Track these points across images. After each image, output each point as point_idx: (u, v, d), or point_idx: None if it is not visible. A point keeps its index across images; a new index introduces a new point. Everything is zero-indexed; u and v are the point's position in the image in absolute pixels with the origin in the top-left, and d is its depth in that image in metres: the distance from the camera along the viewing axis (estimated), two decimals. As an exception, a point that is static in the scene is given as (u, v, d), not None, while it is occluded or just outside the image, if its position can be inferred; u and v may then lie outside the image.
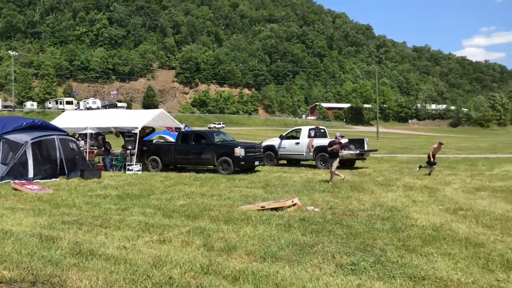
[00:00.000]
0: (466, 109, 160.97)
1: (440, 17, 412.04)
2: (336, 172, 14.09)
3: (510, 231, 7.06)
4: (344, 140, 18.45)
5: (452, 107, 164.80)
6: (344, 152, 18.57)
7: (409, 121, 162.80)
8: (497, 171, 17.04)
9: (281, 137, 20.87)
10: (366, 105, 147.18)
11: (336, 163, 14.12)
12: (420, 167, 16.43)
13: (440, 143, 16.40)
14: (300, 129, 21.17)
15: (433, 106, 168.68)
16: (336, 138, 14.74)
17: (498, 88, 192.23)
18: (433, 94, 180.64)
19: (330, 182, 13.63)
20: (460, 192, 11.69)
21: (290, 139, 20.71)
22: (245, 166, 17.00)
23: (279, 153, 20.56)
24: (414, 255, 5.82)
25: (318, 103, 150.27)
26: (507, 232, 7.00)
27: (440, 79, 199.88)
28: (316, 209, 9.17)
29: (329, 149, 14.53)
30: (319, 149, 19.01)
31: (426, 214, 8.58)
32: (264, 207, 9.12)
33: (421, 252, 5.95)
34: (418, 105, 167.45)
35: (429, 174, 15.81)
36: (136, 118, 19.55)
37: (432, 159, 15.99)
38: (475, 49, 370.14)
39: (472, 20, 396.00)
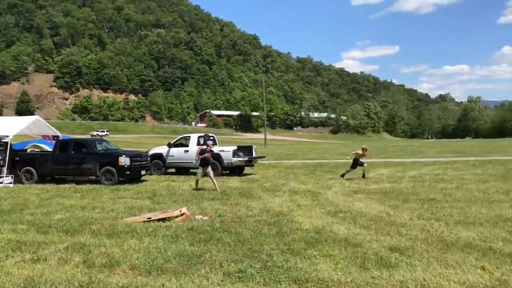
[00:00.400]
0: (345, 117, 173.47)
1: (321, 30, 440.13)
2: (198, 181, 14.21)
3: (383, 230, 7.62)
4: (217, 148, 18.78)
5: (333, 115, 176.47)
6: (233, 159, 18.84)
7: (294, 128, 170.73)
8: (372, 174, 18.43)
9: (169, 145, 20.46)
10: (254, 113, 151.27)
11: (211, 170, 14.28)
12: (343, 175, 16.94)
13: (364, 148, 17.36)
14: (189, 136, 20.94)
15: (316, 114, 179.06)
16: (207, 146, 14.87)
17: (372, 98, 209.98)
18: (315, 103, 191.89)
19: (218, 190, 13.65)
20: (340, 195, 12.39)
21: (178, 147, 20.39)
22: (131, 176, 16.32)
23: (167, 161, 20.14)
24: (299, 258, 6.00)
25: (208, 110, 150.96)
26: (380, 231, 7.54)
27: (322, 89, 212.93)
28: (204, 218, 9.08)
29: (200, 156, 14.58)
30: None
31: (309, 217, 8.93)
32: (150, 218, 8.80)
33: (305, 255, 6.15)
34: (302, 113, 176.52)
35: (364, 176, 16.55)
36: (7, 126, 17.77)
37: (358, 162, 16.89)
38: (352, 61, 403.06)
39: (349, 34, 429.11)
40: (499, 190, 12.50)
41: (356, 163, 17.00)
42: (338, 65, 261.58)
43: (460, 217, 8.68)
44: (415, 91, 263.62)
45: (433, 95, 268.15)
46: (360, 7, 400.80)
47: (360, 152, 17.15)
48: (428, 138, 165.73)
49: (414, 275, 5.20)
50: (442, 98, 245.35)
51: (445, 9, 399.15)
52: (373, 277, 5.19)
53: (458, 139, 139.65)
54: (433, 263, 5.67)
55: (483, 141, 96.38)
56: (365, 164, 17.13)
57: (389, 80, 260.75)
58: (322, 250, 6.39)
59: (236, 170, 19.99)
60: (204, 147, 15.25)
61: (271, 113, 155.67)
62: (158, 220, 8.69)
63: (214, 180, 14.09)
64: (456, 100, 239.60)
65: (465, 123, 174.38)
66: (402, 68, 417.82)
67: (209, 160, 14.36)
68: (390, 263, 5.70)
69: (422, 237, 7.07)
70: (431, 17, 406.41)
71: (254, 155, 20.50)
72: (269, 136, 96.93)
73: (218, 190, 13.61)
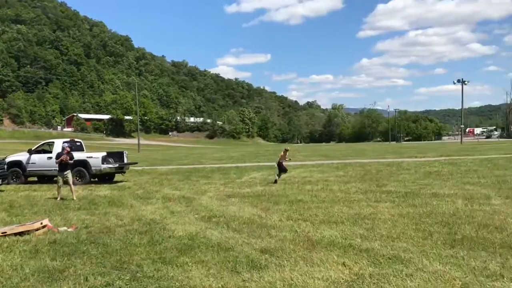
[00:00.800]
0: (221, 122, 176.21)
1: (196, 35, 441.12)
2: (60, 189, 13.43)
3: (255, 233, 7.82)
4: (85, 154, 17.90)
5: (209, 120, 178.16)
6: (103, 166, 17.92)
7: (170, 133, 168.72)
8: (246, 178, 18.91)
9: (30, 152, 18.79)
10: (127, 117, 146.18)
11: (70, 176, 13.57)
12: (278, 176, 16.87)
13: (286, 150, 17.38)
14: (53, 142, 19.44)
15: (192, 119, 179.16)
16: (63, 149, 14.10)
17: (246, 104, 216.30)
18: (191, 107, 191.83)
19: (74, 199, 12.94)
20: (214, 200, 12.48)
21: (41, 153, 18.83)
22: (-16, 186, 14.63)
23: (28, 169, 18.47)
24: (170, 267, 5.87)
25: (75, 114, 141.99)
26: (252, 234, 7.73)
27: (197, 93, 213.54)
28: (69, 230, 8.46)
29: (56, 161, 13.79)
30: (75, 164, 17.79)
31: (183, 224, 8.83)
32: (5, 232, 7.94)
33: (177, 263, 6.03)
34: (178, 117, 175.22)
35: (276, 181, 16.37)
36: None
37: (281, 166, 16.78)
38: (226, 68, 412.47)
39: (223, 41, 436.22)
40: (358, 190, 13.65)
41: (281, 166, 17.10)
42: (213, 70, 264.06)
43: (324, 216, 9.28)
44: (286, 98, 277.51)
45: (302, 102, 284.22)
46: (234, 15, 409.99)
47: (282, 153, 17.40)
48: (297, 143, 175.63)
49: (282, 275, 5.40)
50: (310, 105, 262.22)
51: (312, 21, 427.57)
52: (244, 280, 5.28)
53: (324, 143, 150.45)
54: (300, 262, 5.95)
55: (345, 145, 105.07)
56: (283, 173, 17.10)
57: (262, 87, 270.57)
58: (195, 257, 6.33)
59: (106, 178, 19.05)
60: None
61: (145, 117, 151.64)
62: (15, 234, 7.90)
63: (72, 187, 13.44)
64: (322, 107, 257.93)
65: (330, 128, 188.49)
66: (273, 76, 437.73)
67: (67, 164, 13.53)
68: (260, 265, 5.85)
69: (291, 237, 7.40)
70: (300, 28, 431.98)
71: (125, 161, 19.74)
72: (143, 141, 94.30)
73: (75, 198, 12.93)
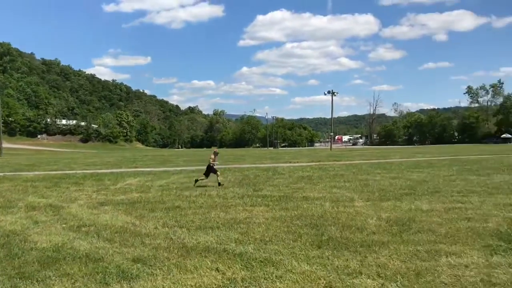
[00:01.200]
0: (96, 126, 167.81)
1: (70, 33, 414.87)
2: None
3: (128, 242, 7.51)
4: None
5: (83, 123, 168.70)
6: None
7: (39, 136, 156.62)
8: (121, 184, 18.12)
9: None
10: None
11: None
12: (197, 180, 16.64)
13: (215, 152, 17.04)
14: None
15: (64, 122, 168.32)
16: None
17: (124, 107, 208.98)
18: (63, 109, 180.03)
19: None
20: (85, 208, 11.75)
21: None
22: None
23: None
24: (30, 282, 5.39)
25: None
26: (124, 243, 7.41)
27: (71, 94, 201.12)
28: None
29: None
30: None
31: (48, 235, 8.16)
32: None
33: (38, 278, 5.56)
34: (48, 119, 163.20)
35: (220, 184, 16.19)
36: None
37: (212, 168, 16.47)
38: (103, 68, 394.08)
39: (101, 40, 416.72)
40: (235, 195, 13.86)
41: (211, 169, 16.56)
42: (89, 71, 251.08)
43: (201, 222, 9.25)
44: (167, 102, 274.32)
45: (183, 107, 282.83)
46: (112, 14, 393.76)
47: (213, 156, 16.75)
48: (178, 148, 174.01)
49: (154, 284, 5.27)
50: (191, 110, 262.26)
51: (194, 27, 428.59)
52: (111, 292, 5.04)
53: (205, 148, 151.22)
54: (173, 269, 5.85)
55: (226, 150, 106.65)
56: (218, 172, 16.80)
57: (141, 90, 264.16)
58: (59, 270, 5.89)
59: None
60: None
61: (10, 119, 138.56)
62: None
63: None
64: (204, 112, 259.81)
65: (211, 134, 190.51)
66: (154, 79, 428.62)
67: None
68: (131, 275, 5.64)
69: (165, 245, 7.25)
70: (181, 33, 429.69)
71: (-17, 166, 17.74)
72: (6, 145, 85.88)
73: None
